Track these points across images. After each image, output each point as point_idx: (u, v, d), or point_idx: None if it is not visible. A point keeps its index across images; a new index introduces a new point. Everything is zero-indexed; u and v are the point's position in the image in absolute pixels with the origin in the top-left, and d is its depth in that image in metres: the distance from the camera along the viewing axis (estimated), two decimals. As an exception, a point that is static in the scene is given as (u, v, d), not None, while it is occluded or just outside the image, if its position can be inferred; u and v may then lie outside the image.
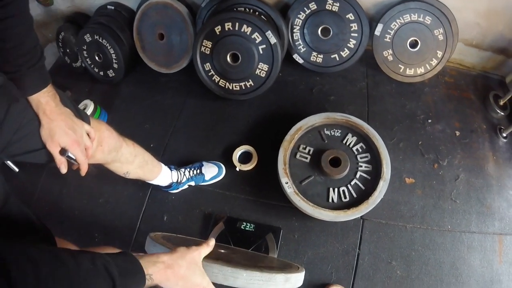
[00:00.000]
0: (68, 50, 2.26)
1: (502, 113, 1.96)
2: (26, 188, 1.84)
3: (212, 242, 0.86)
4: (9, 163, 1.68)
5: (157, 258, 0.73)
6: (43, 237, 1.02)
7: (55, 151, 0.92)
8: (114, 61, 2.10)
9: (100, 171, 1.20)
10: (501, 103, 1.97)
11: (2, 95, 0.82)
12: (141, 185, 1.78)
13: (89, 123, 1.04)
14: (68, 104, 0.98)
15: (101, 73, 2.18)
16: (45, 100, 0.89)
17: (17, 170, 1.87)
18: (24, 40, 0.82)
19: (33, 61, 0.85)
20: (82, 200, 1.81)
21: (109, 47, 2.05)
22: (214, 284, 0.82)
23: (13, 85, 0.85)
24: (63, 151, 0.93)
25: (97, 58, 2.12)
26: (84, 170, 1.00)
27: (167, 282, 0.73)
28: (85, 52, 2.13)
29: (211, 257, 0.88)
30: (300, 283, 0.98)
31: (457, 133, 1.90)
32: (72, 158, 0.96)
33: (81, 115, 1.02)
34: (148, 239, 0.97)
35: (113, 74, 2.15)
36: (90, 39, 2.06)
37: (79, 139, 0.95)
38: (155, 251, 0.89)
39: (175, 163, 1.73)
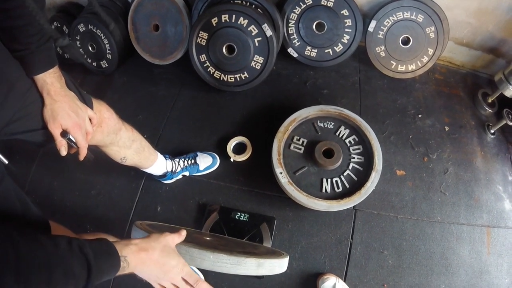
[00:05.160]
0: (60, 40, 2.23)
1: (490, 110, 2.02)
2: (16, 181, 1.80)
3: (183, 233, 0.86)
4: (-1, 155, 1.65)
5: (129, 241, 0.74)
6: (38, 220, 1.00)
7: (56, 132, 0.91)
8: (107, 51, 2.08)
9: (97, 158, 1.19)
10: (489, 100, 2.02)
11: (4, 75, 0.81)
12: (134, 176, 1.77)
13: (92, 108, 1.03)
14: (72, 88, 0.97)
15: (94, 63, 2.16)
16: (51, 81, 0.88)
17: (6, 162, 1.83)
18: (35, 18, 0.81)
19: (42, 41, 0.84)
20: (73, 192, 1.79)
21: (103, 38, 2.03)
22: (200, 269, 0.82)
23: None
24: (64, 133, 0.92)
25: (90, 48, 2.10)
26: (83, 155, 0.99)
27: (143, 265, 0.73)
28: (78, 42, 2.11)
29: (192, 242, 0.87)
30: (281, 269, 0.96)
31: (446, 128, 1.94)
32: (72, 141, 0.95)
33: (85, 100, 1.01)
34: (133, 227, 0.96)
35: (106, 65, 2.14)
36: (84, 29, 2.04)
37: (81, 122, 0.94)
38: (137, 236, 0.89)
39: (169, 153, 1.72)
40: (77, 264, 0.61)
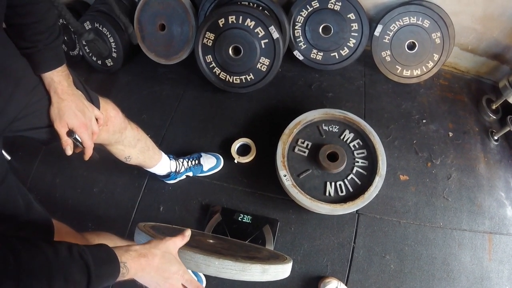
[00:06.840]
0: (65, 38, 2.23)
1: (494, 117, 2.02)
2: (18, 177, 1.80)
3: (188, 233, 0.85)
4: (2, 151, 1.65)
5: (129, 247, 0.73)
6: (41, 217, 1.00)
7: (62, 131, 0.90)
8: (113, 50, 2.08)
9: (100, 156, 1.19)
10: (494, 107, 2.03)
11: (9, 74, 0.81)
12: (137, 175, 1.77)
13: (99, 107, 1.03)
14: (80, 87, 0.97)
15: (99, 62, 2.16)
16: (58, 79, 0.88)
17: (9, 158, 1.84)
18: (44, 16, 0.81)
19: (51, 39, 0.84)
20: (76, 189, 1.79)
21: (109, 36, 2.03)
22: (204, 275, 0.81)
23: None
24: (70, 133, 0.92)
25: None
26: (88, 154, 0.98)
27: (143, 272, 0.72)
28: (83, 40, 2.10)
29: (196, 247, 0.86)
30: (284, 275, 0.96)
31: (450, 134, 1.94)
32: (78, 141, 0.94)
33: (92, 99, 1.01)
34: (136, 229, 0.95)
35: (111, 64, 2.14)
36: (90, 26, 2.03)
37: (87, 122, 0.94)
38: (140, 239, 0.89)
39: (173, 153, 1.72)
40: (77, 270, 0.61)
